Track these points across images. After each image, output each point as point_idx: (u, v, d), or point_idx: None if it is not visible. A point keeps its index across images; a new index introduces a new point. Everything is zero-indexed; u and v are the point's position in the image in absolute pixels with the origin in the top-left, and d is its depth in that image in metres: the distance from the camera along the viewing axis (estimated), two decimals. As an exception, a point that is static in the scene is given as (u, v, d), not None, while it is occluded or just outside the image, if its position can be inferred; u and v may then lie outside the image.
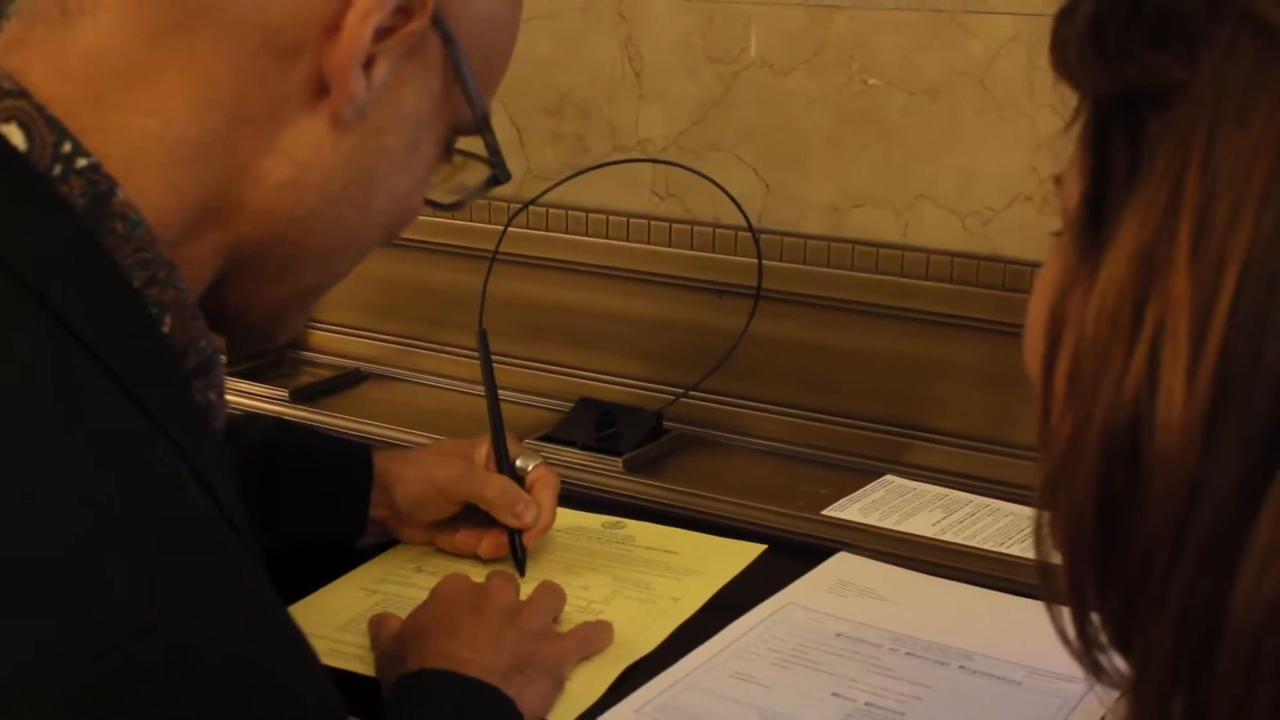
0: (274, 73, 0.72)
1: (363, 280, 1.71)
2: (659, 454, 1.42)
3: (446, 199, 0.89)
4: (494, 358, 1.60)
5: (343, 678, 1.03)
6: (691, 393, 1.47)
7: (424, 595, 1.06)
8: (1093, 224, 0.57)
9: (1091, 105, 0.58)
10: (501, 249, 1.59)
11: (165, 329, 0.69)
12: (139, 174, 0.69)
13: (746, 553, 1.23)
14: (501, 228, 1.51)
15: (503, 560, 1.19)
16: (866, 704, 1.00)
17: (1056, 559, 0.61)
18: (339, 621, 1.11)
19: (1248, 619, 0.50)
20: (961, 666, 1.05)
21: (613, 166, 1.52)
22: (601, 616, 1.11)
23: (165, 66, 0.70)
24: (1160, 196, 0.52)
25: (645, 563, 1.21)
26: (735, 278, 1.46)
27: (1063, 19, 0.59)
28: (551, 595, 1.09)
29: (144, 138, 0.70)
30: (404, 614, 1.04)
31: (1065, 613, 0.62)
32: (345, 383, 1.65)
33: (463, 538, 1.20)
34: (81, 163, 0.67)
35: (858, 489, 1.34)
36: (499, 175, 0.86)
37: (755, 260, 1.43)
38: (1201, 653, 0.52)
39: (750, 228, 1.42)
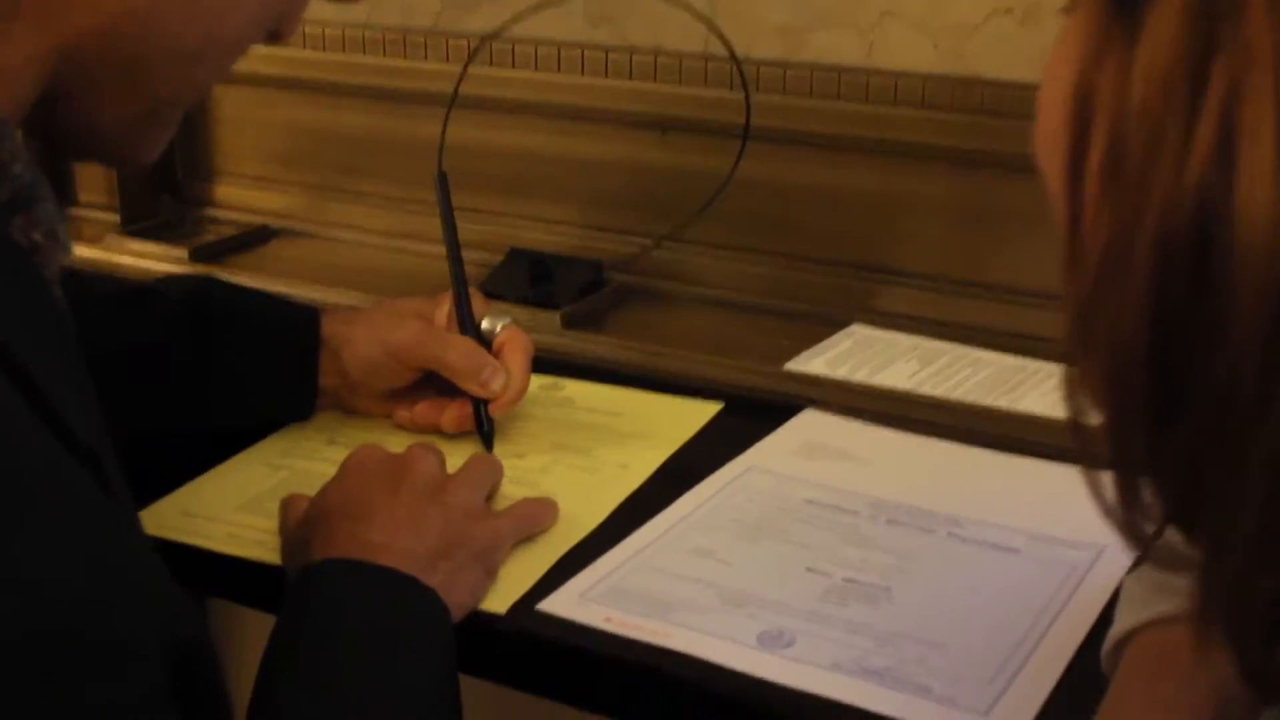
0: None
1: (268, 126, 1.56)
2: (600, 307, 1.28)
3: None
4: (412, 207, 1.46)
5: (244, 567, 0.90)
6: (634, 240, 1.33)
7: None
8: None
9: None
10: (417, 86, 1.44)
11: None
12: None
13: (701, 412, 1.10)
14: (424, 63, 1.36)
15: (466, 436, 1.04)
16: (845, 579, 0.87)
17: (1094, 419, 0.50)
18: (238, 502, 0.96)
19: None
20: (950, 533, 0.92)
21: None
22: (539, 490, 0.97)
23: None
24: None
25: (587, 427, 1.07)
26: (680, 111, 1.32)
27: None
28: (484, 468, 0.94)
29: None
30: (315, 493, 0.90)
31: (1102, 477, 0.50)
32: (252, 240, 1.49)
33: (423, 410, 1.05)
34: None
35: (822, 340, 1.20)
36: None
37: (702, 91, 1.29)
38: None
39: (733, 57, 1.26)
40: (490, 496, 0.94)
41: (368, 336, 1.04)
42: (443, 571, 0.81)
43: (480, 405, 1.03)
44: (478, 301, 1.09)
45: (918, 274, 1.25)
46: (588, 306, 1.26)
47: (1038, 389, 1.11)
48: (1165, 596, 0.74)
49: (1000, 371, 1.14)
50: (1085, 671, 0.78)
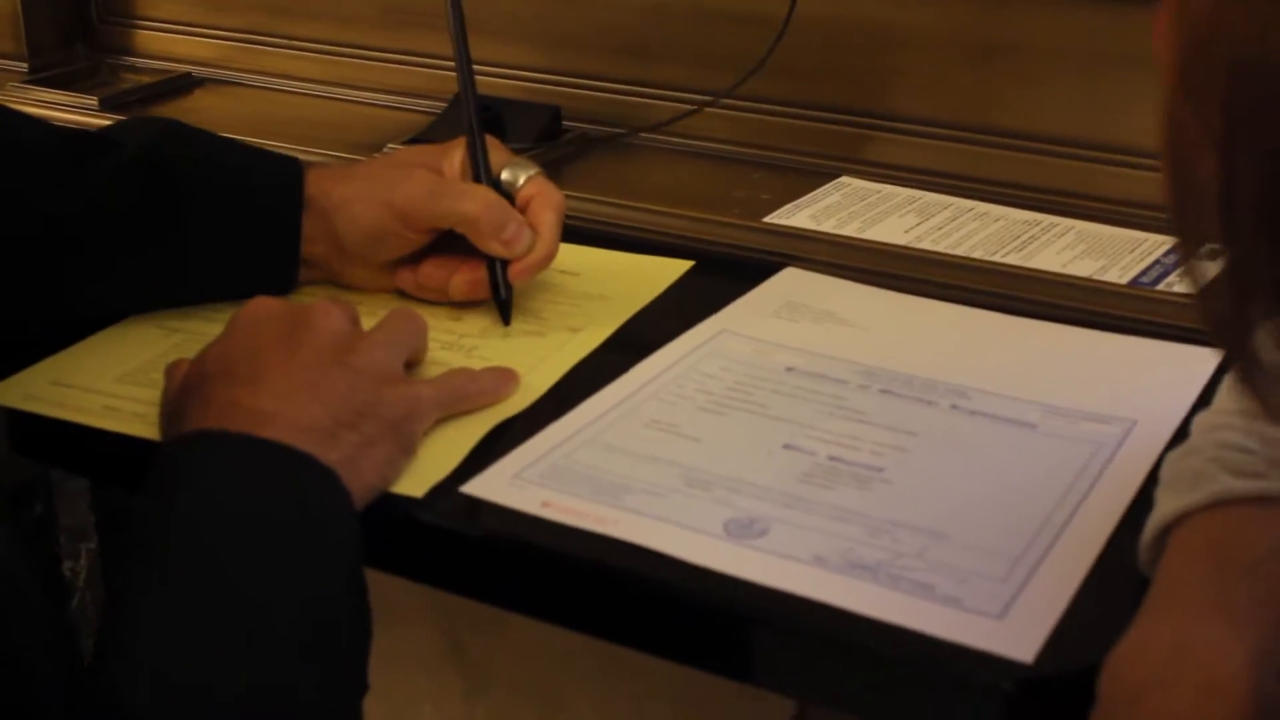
0: None
1: (191, -36, 1.41)
2: (557, 158, 1.13)
3: None
4: (348, 52, 1.31)
5: (122, 444, 0.76)
6: (596, 83, 1.18)
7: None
8: None
9: None
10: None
11: None
12: None
13: (668, 271, 0.96)
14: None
15: (480, 304, 0.90)
16: (831, 457, 0.73)
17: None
18: (122, 370, 0.82)
19: None
20: (954, 406, 0.79)
21: None
22: (472, 357, 0.83)
23: None
24: None
25: (537, 287, 0.92)
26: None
27: None
28: (402, 325, 0.79)
29: None
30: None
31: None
32: (173, 89, 1.34)
33: (429, 271, 0.89)
34: None
35: (807, 193, 1.06)
36: None
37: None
38: None
39: None
40: (413, 364, 0.80)
41: (366, 194, 0.87)
42: (346, 445, 0.67)
43: (498, 269, 0.88)
44: (496, 149, 0.92)
45: (914, 118, 1.10)
46: (543, 156, 1.11)
47: (1052, 245, 0.96)
48: (1218, 478, 0.61)
49: (1009, 226, 1.00)
50: (1117, 567, 0.65)
